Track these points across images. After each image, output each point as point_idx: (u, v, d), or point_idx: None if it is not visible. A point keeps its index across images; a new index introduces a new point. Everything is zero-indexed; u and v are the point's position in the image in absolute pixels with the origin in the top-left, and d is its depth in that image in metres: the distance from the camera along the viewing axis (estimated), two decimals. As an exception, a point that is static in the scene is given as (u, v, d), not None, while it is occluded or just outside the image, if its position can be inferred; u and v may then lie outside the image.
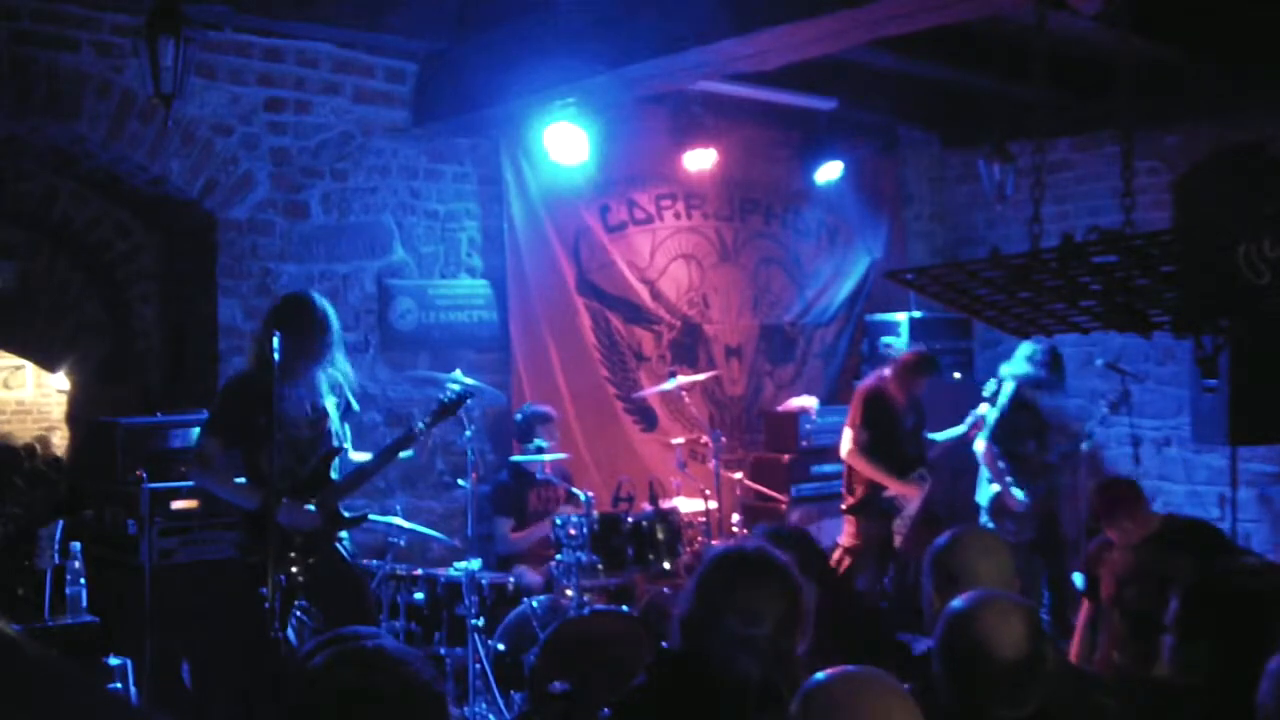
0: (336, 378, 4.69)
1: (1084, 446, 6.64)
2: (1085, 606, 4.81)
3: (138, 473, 5.13)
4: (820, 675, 2.09)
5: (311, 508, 4.52)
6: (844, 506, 6.60)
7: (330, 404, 4.65)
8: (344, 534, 4.71)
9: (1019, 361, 6.61)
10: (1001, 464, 6.51)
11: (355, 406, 4.84)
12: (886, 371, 6.55)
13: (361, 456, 4.75)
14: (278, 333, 4.18)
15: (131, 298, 6.30)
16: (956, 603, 2.42)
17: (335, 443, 4.66)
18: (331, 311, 4.64)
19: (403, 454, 4.77)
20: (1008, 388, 6.59)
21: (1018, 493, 6.47)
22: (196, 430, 4.87)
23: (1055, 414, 6.67)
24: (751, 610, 2.46)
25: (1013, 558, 2.99)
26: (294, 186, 6.00)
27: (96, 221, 6.20)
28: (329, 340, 4.60)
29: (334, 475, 4.66)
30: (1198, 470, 7.33)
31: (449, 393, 4.85)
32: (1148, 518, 4.59)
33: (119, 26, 5.38)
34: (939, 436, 6.67)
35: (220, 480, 4.56)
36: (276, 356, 4.13)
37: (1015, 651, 2.29)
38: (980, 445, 6.59)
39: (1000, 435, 6.52)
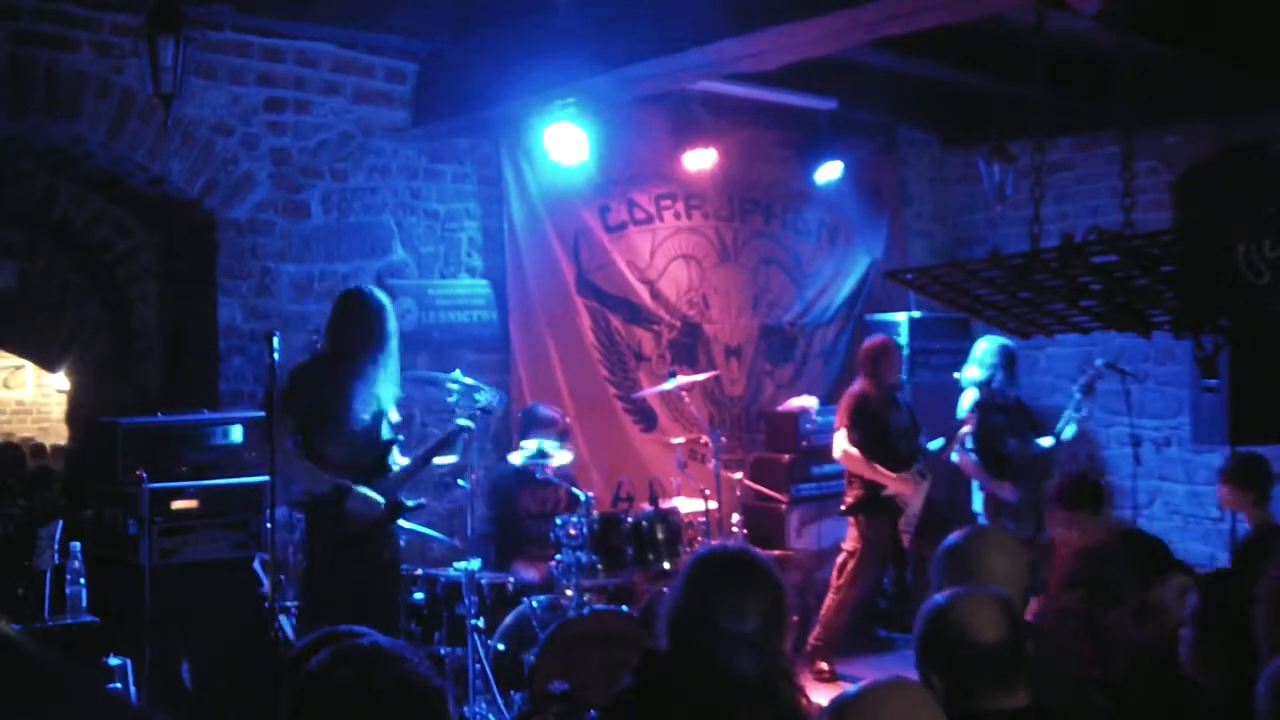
0: (392, 374, 4.89)
1: (1052, 441, 6.65)
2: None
3: (138, 473, 5.12)
4: (851, 689, 2.09)
5: (379, 497, 4.76)
6: (842, 508, 6.61)
7: (387, 398, 4.87)
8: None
9: (975, 366, 6.67)
10: (977, 461, 6.57)
11: (396, 416, 5.03)
12: (860, 376, 6.61)
13: (402, 460, 5.01)
14: (277, 334, 4.27)
15: (131, 298, 6.29)
16: (931, 600, 2.47)
17: (391, 434, 4.91)
18: (389, 307, 4.87)
19: (442, 459, 5.02)
20: (970, 395, 6.64)
21: (1008, 488, 6.51)
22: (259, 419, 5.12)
23: (1024, 411, 6.73)
24: (740, 607, 2.50)
25: (1025, 556, 2.99)
26: (294, 186, 6.00)
27: (96, 221, 6.20)
28: (387, 335, 4.81)
29: (393, 466, 4.92)
30: (1198, 470, 7.33)
31: (486, 400, 5.10)
32: (1108, 523, 4.62)
33: (119, 26, 5.38)
34: (931, 445, 6.67)
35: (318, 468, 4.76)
36: (276, 356, 4.17)
37: (994, 635, 2.33)
38: (957, 457, 6.60)
39: (979, 440, 6.54)
